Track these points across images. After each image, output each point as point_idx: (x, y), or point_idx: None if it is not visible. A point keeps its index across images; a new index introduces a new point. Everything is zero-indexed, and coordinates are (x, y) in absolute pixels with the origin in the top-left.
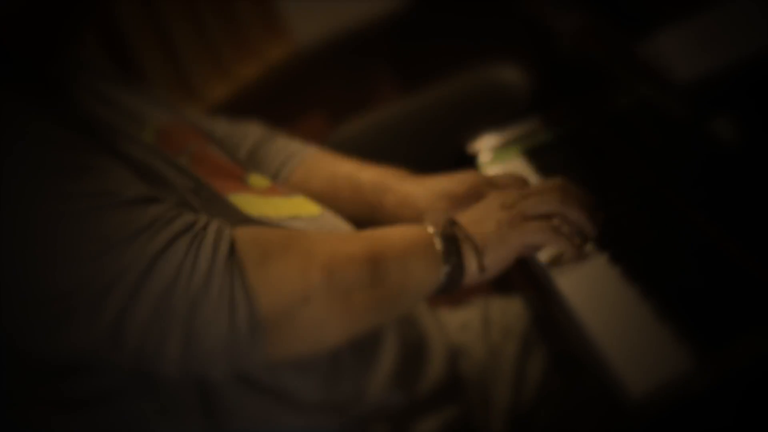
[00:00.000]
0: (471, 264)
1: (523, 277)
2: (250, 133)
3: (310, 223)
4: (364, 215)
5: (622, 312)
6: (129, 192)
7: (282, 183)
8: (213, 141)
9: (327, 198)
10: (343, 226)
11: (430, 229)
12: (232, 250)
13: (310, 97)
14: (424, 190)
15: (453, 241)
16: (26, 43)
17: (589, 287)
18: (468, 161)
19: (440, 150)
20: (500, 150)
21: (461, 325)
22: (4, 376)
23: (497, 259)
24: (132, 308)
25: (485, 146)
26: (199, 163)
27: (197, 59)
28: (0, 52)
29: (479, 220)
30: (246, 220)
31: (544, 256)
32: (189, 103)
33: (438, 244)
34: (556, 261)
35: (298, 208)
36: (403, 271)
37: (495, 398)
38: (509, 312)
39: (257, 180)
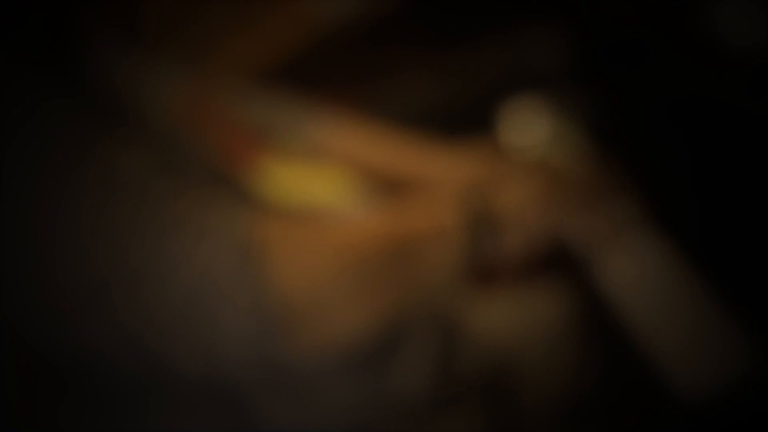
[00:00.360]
0: (504, 249)
1: (568, 268)
2: (280, 102)
3: (337, 206)
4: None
5: (680, 306)
6: (144, 184)
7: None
8: (242, 111)
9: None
10: (370, 205)
11: (460, 214)
12: (256, 245)
13: (340, 64)
14: (449, 178)
15: (485, 228)
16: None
17: (643, 277)
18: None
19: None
20: (533, 121)
21: (499, 319)
22: (7, 370)
23: (533, 246)
24: (144, 307)
25: (517, 117)
26: (226, 137)
27: (224, 22)
28: (13, 17)
29: (516, 205)
30: (271, 208)
31: (589, 243)
32: (216, 70)
33: (468, 230)
34: (602, 250)
35: (328, 185)
36: (431, 259)
37: (534, 395)
38: (553, 305)
39: (287, 150)
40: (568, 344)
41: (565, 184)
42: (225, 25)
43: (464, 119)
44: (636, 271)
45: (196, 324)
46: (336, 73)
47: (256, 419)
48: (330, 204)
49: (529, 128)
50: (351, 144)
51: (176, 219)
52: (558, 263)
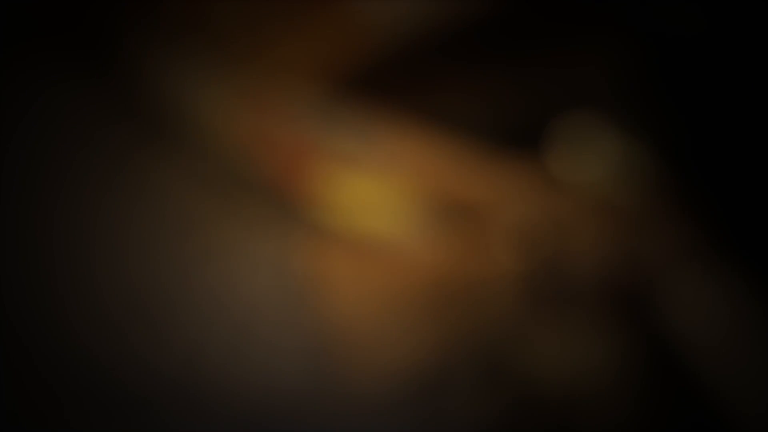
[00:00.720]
0: (566, 289)
1: (632, 305)
2: (340, 114)
3: (395, 234)
4: None
5: (750, 343)
6: (189, 206)
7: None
8: (298, 123)
9: None
10: (428, 234)
11: (522, 252)
12: (310, 275)
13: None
14: (512, 210)
15: (546, 269)
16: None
17: (710, 311)
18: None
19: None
20: (598, 145)
21: (558, 357)
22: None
23: (596, 285)
24: (190, 338)
25: (582, 142)
26: (280, 154)
27: (273, 23)
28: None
29: (581, 246)
30: (327, 235)
31: (654, 278)
32: (268, 76)
33: (528, 270)
34: (667, 284)
35: (387, 211)
36: (488, 296)
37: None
38: (615, 343)
39: (345, 169)
40: (631, 383)
41: (631, 220)
42: (274, 27)
43: (524, 140)
44: (703, 306)
45: (246, 356)
46: (395, 84)
47: None
48: (388, 232)
49: (594, 154)
50: (413, 162)
51: (225, 246)
52: (621, 300)
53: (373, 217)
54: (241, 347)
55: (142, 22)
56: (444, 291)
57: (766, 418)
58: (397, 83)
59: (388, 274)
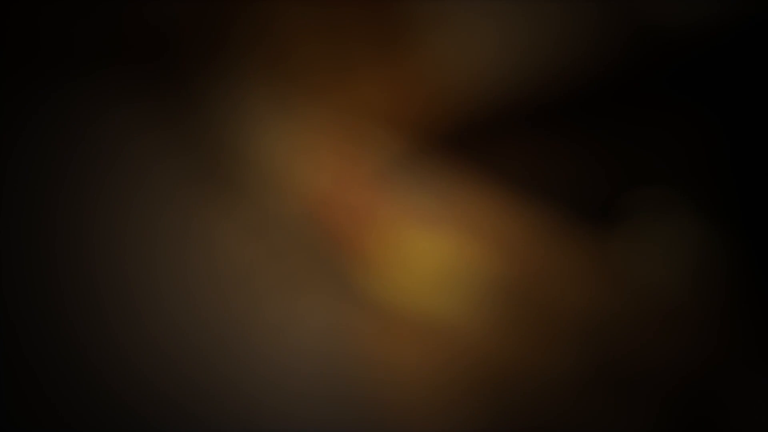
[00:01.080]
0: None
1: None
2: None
3: (447, 310)
4: None
5: None
6: (251, 269)
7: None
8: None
9: None
10: (482, 313)
11: (583, 357)
12: (356, 342)
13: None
14: (577, 303)
15: (611, 382)
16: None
17: None
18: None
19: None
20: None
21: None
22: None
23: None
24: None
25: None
26: (358, 214)
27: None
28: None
29: (654, 358)
30: (378, 305)
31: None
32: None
33: (591, 379)
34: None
35: (442, 286)
36: (540, 393)
37: None
38: None
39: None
40: None
41: (699, 316)
42: (360, 82)
43: (599, 217)
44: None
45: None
46: (476, 148)
47: None
48: (448, 309)
49: (666, 239)
50: (485, 231)
51: (276, 312)
52: (682, 397)
53: (435, 292)
54: (287, 422)
55: (220, 59)
56: (500, 375)
57: None
58: (478, 147)
59: (444, 354)
